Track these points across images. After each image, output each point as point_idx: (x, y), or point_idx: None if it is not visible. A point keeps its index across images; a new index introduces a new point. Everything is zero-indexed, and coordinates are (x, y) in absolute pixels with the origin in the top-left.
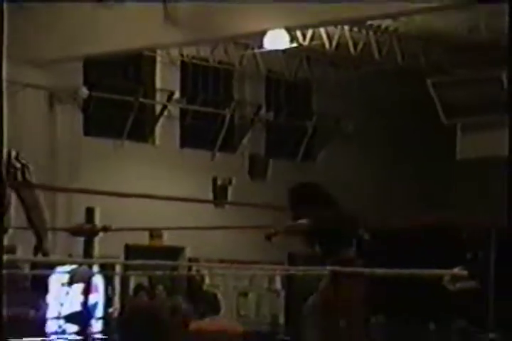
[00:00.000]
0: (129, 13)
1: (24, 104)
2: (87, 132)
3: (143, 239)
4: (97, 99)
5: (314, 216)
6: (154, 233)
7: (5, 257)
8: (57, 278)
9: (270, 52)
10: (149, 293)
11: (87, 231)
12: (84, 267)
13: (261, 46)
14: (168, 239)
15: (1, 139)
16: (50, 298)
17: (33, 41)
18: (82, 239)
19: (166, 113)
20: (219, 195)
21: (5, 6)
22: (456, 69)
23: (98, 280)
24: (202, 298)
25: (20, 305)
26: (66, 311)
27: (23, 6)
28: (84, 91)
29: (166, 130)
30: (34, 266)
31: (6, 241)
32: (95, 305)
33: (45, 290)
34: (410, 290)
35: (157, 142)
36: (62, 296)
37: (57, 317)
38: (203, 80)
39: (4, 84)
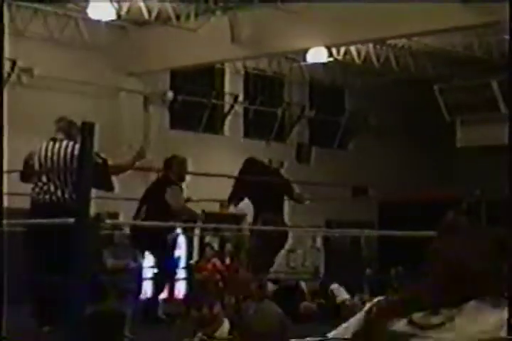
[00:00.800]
0: (204, 34)
1: (125, 105)
2: (172, 126)
3: (215, 208)
4: (180, 101)
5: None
6: (223, 203)
7: (110, 221)
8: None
9: (313, 64)
10: (212, 248)
11: None
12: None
13: (305, 60)
14: (233, 209)
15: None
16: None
17: (133, 57)
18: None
19: (232, 111)
20: None
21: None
22: (455, 77)
23: (181, 240)
24: None
25: (122, 258)
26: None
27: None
28: (170, 95)
29: (233, 124)
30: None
31: (111, 209)
32: (179, 258)
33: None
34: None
35: (226, 134)
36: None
37: (152, 267)
38: (261, 86)
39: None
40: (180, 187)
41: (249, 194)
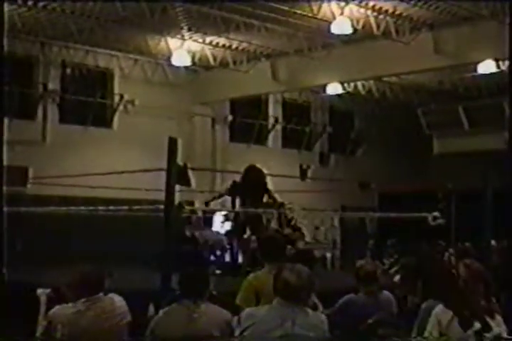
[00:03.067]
0: (253, 74)
1: (199, 126)
2: (231, 139)
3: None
4: (237, 122)
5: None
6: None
7: (188, 207)
8: (218, 219)
9: (331, 95)
10: None
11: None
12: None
13: (325, 92)
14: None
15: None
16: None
17: (203, 91)
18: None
19: (274, 129)
20: (303, 174)
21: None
22: (432, 103)
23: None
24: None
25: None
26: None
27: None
28: (230, 118)
29: (274, 138)
30: (205, 212)
31: (187, 197)
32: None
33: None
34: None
35: (269, 145)
36: (220, 228)
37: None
38: (294, 111)
39: (193, 117)
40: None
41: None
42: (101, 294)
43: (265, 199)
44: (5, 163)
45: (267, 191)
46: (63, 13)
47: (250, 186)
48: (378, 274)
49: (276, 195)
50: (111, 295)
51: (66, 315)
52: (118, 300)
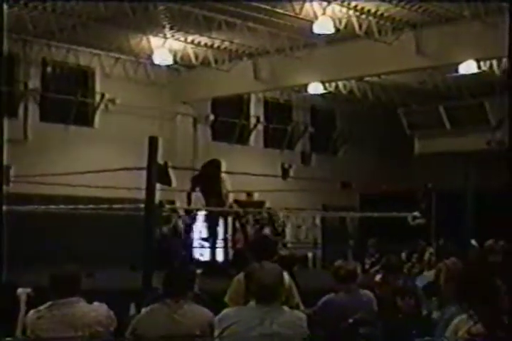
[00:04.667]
0: (234, 73)
1: (180, 125)
2: (213, 138)
3: (243, 197)
4: (219, 121)
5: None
6: (249, 193)
7: (168, 206)
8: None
9: (312, 94)
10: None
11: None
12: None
13: (307, 91)
14: (256, 197)
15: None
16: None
17: (185, 90)
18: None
19: (256, 128)
20: (284, 173)
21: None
22: (413, 103)
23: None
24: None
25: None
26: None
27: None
28: (212, 117)
29: (256, 137)
30: (186, 212)
31: (168, 196)
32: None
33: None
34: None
35: (251, 144)
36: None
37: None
38: (276, 110)
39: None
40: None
41: (202, 185)
42: (72, 298)
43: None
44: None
45: (219, 181)
46: (45, 10)
47: (207, 178)
48: (357, 273)
49: (228, 184)
50: (96, 303)
51: (31, 319)
52: (94, 307)
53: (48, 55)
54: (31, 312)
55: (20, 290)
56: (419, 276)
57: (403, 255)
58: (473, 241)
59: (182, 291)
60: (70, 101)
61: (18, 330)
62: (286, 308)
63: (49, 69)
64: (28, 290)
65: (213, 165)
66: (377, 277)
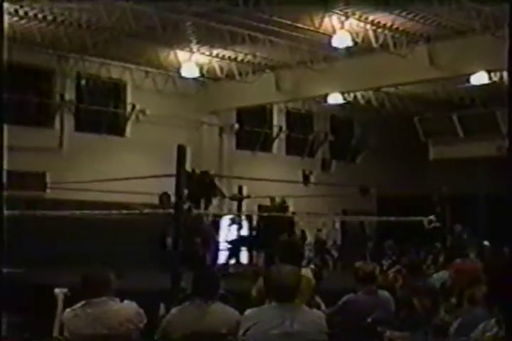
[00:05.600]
0: (258, 85)
1: (206, 134)
2: (238, 147)
3: (267, 202)
4: (243, 130)
5: None
6: (273, 199)
7: (196, 211)
8: (225, 222)
9: (332, 105)
10: None
11: (239, 198)
12: (237, 216)
13: (327, 102)
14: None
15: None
16: (222, 232)
17: (211, 101)
18: (236, 202)
19: (278, 137)
20: (306, 179)
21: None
22: (428, 112)
23: (244, 223)
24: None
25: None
26: (229, 238)
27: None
28: (236, 126)
29: (279, 145)
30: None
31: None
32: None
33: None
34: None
35: (274, 152)
36: (227, 231)
37: (226, 241)
38: (297, 120)
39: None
40: None
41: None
42: (104, 297)
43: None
44: (24, 169)
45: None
46: (80, 27)
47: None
48: (376, 274)
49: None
50: (126, 301)
51: (67, 318)
52: (125, 306)
53: (82, 68)
54: (67, 310)
55: (57, 290)
56: (432, 277)
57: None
58: (485, 242)
59: (210, 292)
60: (103, 112)
61: (55, 328)
62: (305, 307)
63: (83, 82)
64: (65, 290)
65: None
66: (398, 277)
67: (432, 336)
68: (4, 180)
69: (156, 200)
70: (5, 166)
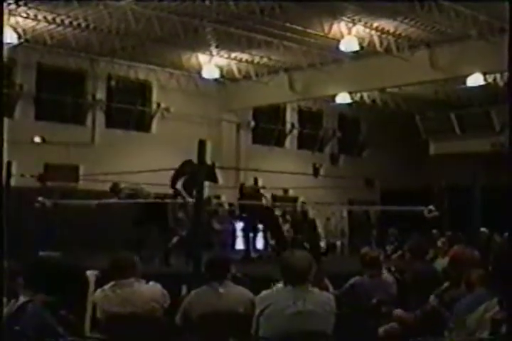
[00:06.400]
0: (273, 85)
1: (225, 130)
2: (254, 142)
3: (280, 193)
4: (259, 127)
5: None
6: (285, 190)
7: (215, 200)
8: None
9: (340, 104)
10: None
11: (255, 189)
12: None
13: (335, 101)
14: (292, 193)
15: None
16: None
17: (230, 100)
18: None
19: (291, 133)
20: (316, 172)
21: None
22: (428, 111)
23: None
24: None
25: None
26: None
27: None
28: (253, 123)
29: (291, 141)
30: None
31: (215, 192)
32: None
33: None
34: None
35: (287, 147)
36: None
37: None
38: (308, 117)
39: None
40: None
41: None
42: (131, 279)
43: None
44: (60, 162)
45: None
46: (110, 33)
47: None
48: (380, 259)
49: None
50: (151, 283)
51: (98, 297)
52: (150, 287)
53: (112, 70)
54: (98, 291)
55: (89, 272)
56: (434, 263)
57: None
58: (483, 229)
59: (223, 274)
60: (131, 110)
61: (88, 307)
62: (316, 289)
63: (113, 83)
64: (96, 272)
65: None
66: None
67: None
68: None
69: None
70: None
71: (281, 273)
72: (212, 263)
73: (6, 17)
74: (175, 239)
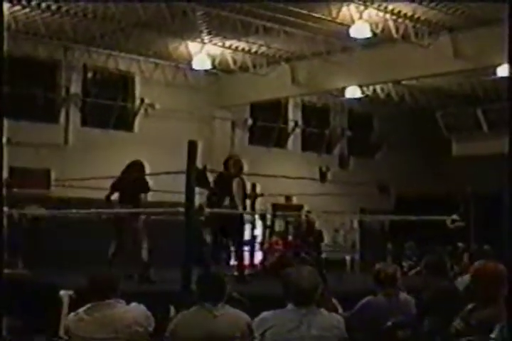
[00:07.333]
0: (272, 77)
1: (218, 129)
2: (251, 142)
3: (281, 201)
4: (257, 125)
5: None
6: (288, 197)
7: (208, 209)
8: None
9: (350, 98)
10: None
11: (253, 196)
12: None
13: (344, 95)
14: (295, 201)
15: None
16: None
17: (223, 95)
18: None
19: (293, 132)
20: (322, 177)
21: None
22: (451, 106)
23: (258, 222)
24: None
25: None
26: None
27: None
28: (250, 121)
29: (294, 141)
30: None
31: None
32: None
33: None
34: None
35: (289, 148)
36: None
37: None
38: (313, 114)
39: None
40: (241, 179)
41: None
42: (111, 300)
43: None
44: (28, 165)
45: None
46: (85, 17)
47: (130, 182)
48: (397, 277)
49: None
50: (134, 304)
51: (72, 322)
52: (133, 308)
53: (88, 60)
54: (71, 314)
55: (62, 292)
56: (457, 280)
57: None
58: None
59: (218, 293)
60: (111, 106)
61: (61, 332)
62: (323, 311)
63: (90, 74)
64: (70, 292)
65: (136, 168)
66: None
67: None
68: (7, 177)
69: (165, 198)
70: (5, 163)
71: (284, 292)
72: (205, 281)
73: None
74: (144, 252)
